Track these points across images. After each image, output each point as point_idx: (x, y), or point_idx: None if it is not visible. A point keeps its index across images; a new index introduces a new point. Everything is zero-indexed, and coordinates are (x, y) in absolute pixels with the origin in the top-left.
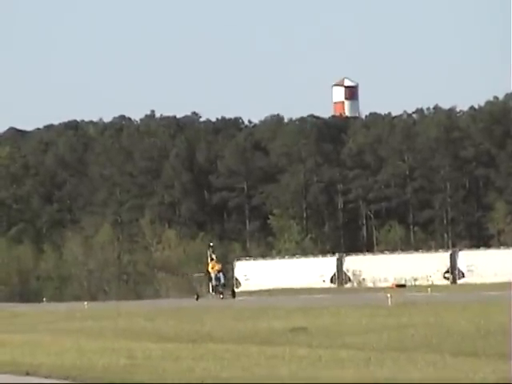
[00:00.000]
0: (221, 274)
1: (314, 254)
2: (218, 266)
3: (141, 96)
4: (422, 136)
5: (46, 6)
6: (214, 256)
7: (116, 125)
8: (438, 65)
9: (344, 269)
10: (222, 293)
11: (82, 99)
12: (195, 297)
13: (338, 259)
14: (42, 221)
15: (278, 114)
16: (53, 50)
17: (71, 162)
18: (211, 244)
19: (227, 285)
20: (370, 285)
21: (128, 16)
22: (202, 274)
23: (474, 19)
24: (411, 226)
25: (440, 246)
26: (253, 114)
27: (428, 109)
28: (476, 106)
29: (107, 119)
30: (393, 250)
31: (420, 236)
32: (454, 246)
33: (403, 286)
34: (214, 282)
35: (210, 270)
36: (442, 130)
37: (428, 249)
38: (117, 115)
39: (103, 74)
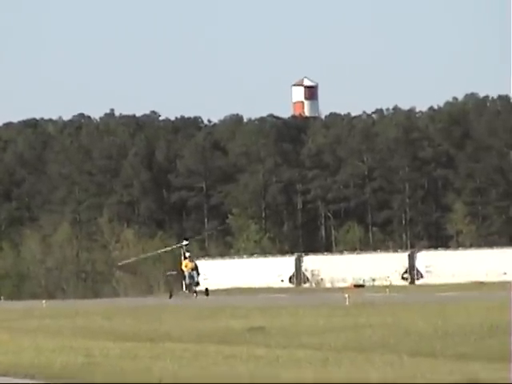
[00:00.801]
0: (194, 273)
1: (273, 254)
2: (191, 265)
3: (100, 94)
4: (381, 136)
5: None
6: (187, 254)
7: (75, 123)
8: (398, 66)
9: (302, 269)
10: (195, 291)
11: (41, 97)
12: (169, 295)
13: (296, 259)
14: (0, 218)
15: (237, 114)
16: (11, 48)
17: (30, 160)
18: (185, 242)
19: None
20: (329, 285)
21: (87, 15)
22: (175, 273)
23: (434, 20)
24: (370, 227)
25: (398, 247)
26: (212, 113)
27: (387, 109)
28: (435, 107)
29: (66, 117)
30: (351, 250)
31: (378, 236)
32: (412, 246)
33: (361, 286)
34: (187, 280)
35: (183, 268)
36: (401, 130)
37: (386, 249)
38: (76, 113)
39: (62, 72)
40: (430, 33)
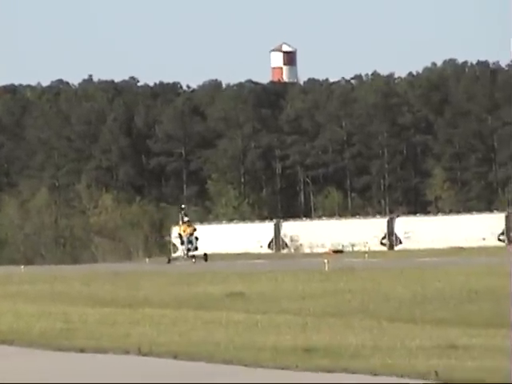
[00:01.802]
0: (193, 237)
1: (252, 220)
2: (190, 229)
3: (79, 60)
4: (360, 102)
5: None
6: (186, 219)
7: (54, 89)
8: (377, 31)
9: (281, 234)
10: (193, 256)
11: (19, 63)
12: (167, 260)
13: (275, 225)
14: None
15: (216, 79)
16: None
17: (8, 126)
18: (183, 206)
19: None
20: (307, 250)
21: None
22: (167, 238)
23: None
24: (349, 192)
25: (377, 212)
26: (191, 78)
27: (366, 75)
28: (414, 73)
29: (45, 83)
30: (330, 215)
31: (357, 202)
32: (391, 212)
33: (340, 251)
34: (186, 245)
35: (181, 233)
36: (379, 96)
37: (365, 215)
38: (55, 79)
39: (41, 37)
40: None
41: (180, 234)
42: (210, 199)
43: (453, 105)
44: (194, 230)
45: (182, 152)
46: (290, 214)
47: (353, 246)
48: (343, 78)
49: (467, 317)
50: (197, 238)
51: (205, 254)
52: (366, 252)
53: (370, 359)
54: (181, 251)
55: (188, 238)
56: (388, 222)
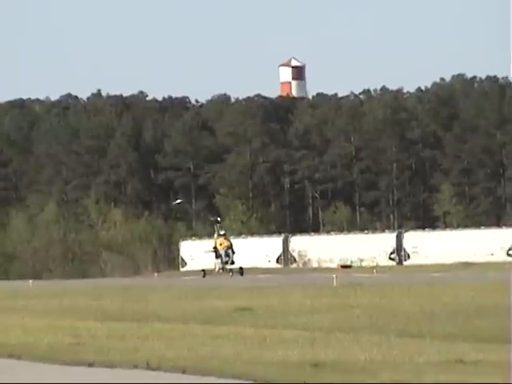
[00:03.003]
0: (230, 251)
1: (260, 234)
2: (227, 243)
3: (88, 74)
4: (369, 117)
5: None
6: (221, 232)
7: (63, 103)
8: (386, 46)
9: (290, 249)
10: (231, 270)
11: (28, 77)
12: (202, 274)
13: (283, 239)
14: None
15: (224, 94)
16: None
17: (17, 140)
18: (218, 219)
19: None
20: (316, 265)
21: None
22: (210, 250)
23: (422, 0)
24: (357, 207)
25: (386, 227)
26: (200, 93)
27: (375, 90)
28: (423, 88)
29: (54, 97)
30: (338, 230)
31: (366, 217)
32: (399, 227)
33: (349, 266)
34: (224, 258)
35: (218, 246)
36: (388, 111)
37: (374, 230)
38: (63, 93)
39: (50, 52)
40: (418, 13)
41: (215, 248)
42: (219, 214)
43: (461, 120)
44: (231, 243)
45: (190, 167)
46: (299, 229)
47: (361, 261)
48: (352, 92)
49: (475, 332)
50: (233, 252)
51: (240, 268)
52: (374, 267)
53: (379, 374)
54: (216, 265)
55: (225, 252)
56: (396, 236)
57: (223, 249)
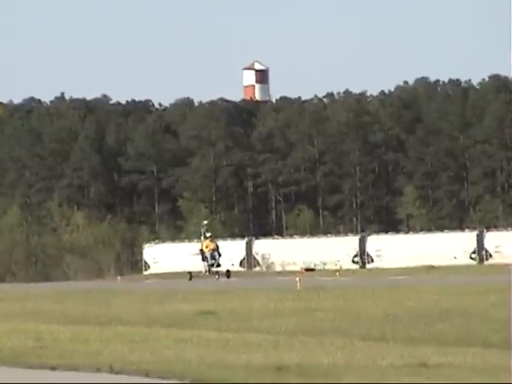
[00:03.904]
0: (216, 253)
1: (223, 238)
2: (212, 245)
3: (51, 78)
4: (332, 120)
5: None
6: (208, 234)
7: (26, 107)
8: (349, 49)
9: (253, 252)
10: (217, 273)
11: None
12: (188, 277)
13: (247, 243)
14: None
15: (188, 97)
16: None
17: None
18: (205, 222)
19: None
20: (279, 269)
21: None
22: (196, 253)
23: (384, 4)
24: (320, 210)
25: (349, 231)
26: (163, 97)
27: (338, 93)
28: (386, 91)
29: (17, 101)
30: (302, 234)
31: (329, 220)
32: (363, 230)
33: (312, 270)
34: (209, 261)
35: (203, 248)
36: (351, 114)
37: (337, 233)
38: (27, 97)
39: (13, 55)
40: (380, 17)
41: (202, 250)
42: (182, 217)
43: (425, 123)
44: (217, 245)
45: (153, 170)
46: (262, 232)
47: (324, 264)
48: (315, 96)
49: (438, 335)
50: (220, 254)
51: (227, 271)
52: (337, 270)
53: (342, 378)
54: (202, 267)
55: (211, 254)
56: (360, 240)
57: (209, 251)
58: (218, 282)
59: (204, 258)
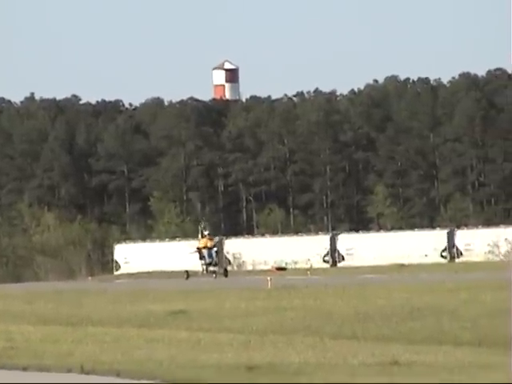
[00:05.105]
0: (213, 252)
1: (194, 237)
2: (210, 243)
3: (20, 78)
4: (302, 119)
5: None
6: (205, 232)
7: None
8: (318, 48)
9: (224, 251)
10: (214, 272)
11: None
12: (185, 276)
13: (217, 242)
14: None
15: (158, 97)
16: None
17: None
18: (203, 218)
19: (220, 263)
20: (250, 268)
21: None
22: (194, 251)
23: (354, 2)
24: (291, 209)
25: (320, 230)
26: (133, 96)
27: (308, 92)
28: (356, 90)
29: None
30: (273, 233)
31: (300, 219)
32: (333, 229)
33: (283, 269)
34: (206, 259)
35: (200, 246)
36: (321, 113)
37: (308, 232)
38: None
39: None
40: (349, 15)
41: (199, 249)
42: (153, 217)
43: (394, 122)
44: (215, 244)
45: (124, 170)
46: (233, 232)
47: (295, 263)
48: (285, 95)
49: (409, 334)
50: (217, 253)
51: (225, 270)
52: (308, 269)
53: (313, 376)
54: (200, 266)
55: (209, 252)
56: (330, 239)
57: (207, 250)
58: (187, 281)
59: (201, 257)
